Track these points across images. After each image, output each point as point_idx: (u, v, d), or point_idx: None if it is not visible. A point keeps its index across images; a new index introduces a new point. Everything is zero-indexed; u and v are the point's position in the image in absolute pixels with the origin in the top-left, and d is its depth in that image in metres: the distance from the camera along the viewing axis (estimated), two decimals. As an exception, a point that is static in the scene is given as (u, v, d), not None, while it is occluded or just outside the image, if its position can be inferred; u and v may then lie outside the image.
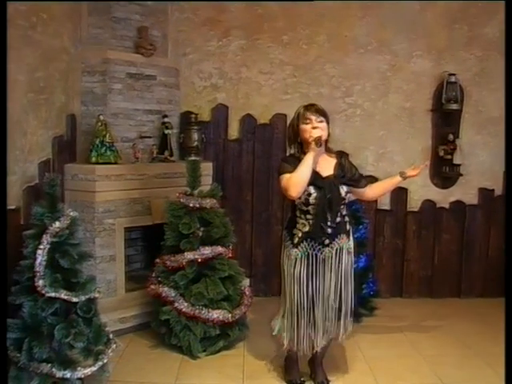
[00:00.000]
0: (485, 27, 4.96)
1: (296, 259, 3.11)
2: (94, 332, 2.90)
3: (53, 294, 2.76)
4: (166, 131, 4.51)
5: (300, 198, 3.03)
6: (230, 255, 3.92)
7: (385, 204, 5.09)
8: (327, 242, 3.09)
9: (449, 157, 4.97)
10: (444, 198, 5.15)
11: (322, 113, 3.08)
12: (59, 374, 2.74)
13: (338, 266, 3.14)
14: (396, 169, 4.98)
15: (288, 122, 4.78)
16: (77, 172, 4.03)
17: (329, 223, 3.06)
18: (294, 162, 3.06)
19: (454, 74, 4.88)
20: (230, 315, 3.75)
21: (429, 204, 5.12)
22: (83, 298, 2.86)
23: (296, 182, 2.96)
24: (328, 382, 3.37)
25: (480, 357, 3.83)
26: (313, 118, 3.05)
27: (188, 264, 3.74)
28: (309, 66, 4.96)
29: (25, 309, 2.76)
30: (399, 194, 5.07)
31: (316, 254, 3.09)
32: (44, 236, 2.78)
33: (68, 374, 2.76)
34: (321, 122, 3.05)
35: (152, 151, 4.45)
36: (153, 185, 4.26)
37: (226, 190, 4.66)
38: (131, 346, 3.87)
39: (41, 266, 2.75)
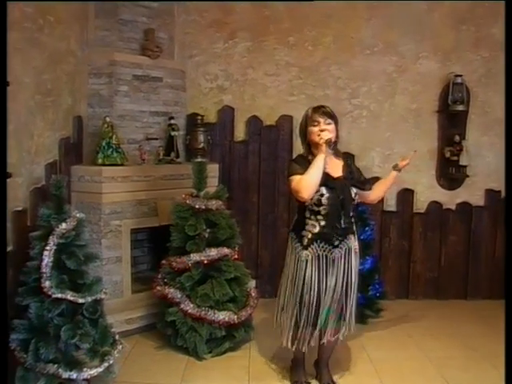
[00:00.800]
0: (492, 28, 4.95)
1: (306, 261, 3.09)
2: (100, 333, 2.91)
3: (59, 295, 2.77)
4: (173, 133, 4.52)
5: (312, 198, 3.02)
6: (236, 257, 3.93)
7: (391, 205, 5.08)
8: (337, 242, 3.09)
9: (455, 158, 4.96)
10: (450, 199, 5.13)
11: (329, 115, 3.08)
12: (65, 374, 2.75)
13: (348, 267, 3.14)
14: (402, 170, 5.01)
15: (294, 124, 4.89)
16: (83, 174, 4.05)
17: (341, 224, 3.07)
18: (304, 163, 3.07)
19: (460, 75, 4.87)
20: (235, 316, 3.75)
21: (435, 205, 5.11)
22: (89, 299, 2.86)
23: (307, 184, 2.96)
24: (333, 383, 3.37)
25: (486, 359, 3.82)
26: (321, 120, 3.05)
27: (194, 265, 3.74)
28: (315, 68, 4.96)
29: (31, 310, 2.76)
30: (405, 195, 5.07)
31: (326, 256, 3.09)
32: (50, 237, 2.79)
33: (74, 375, 2.77)
34: (329, 124, 3.06)
35: (158, 153, 4.46)
36: (159, 186, 4.27)
37: (232, 191, 4.67)
38: (137, 347, 3.88)
39: (47, 267, 2.76)
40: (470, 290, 5.16)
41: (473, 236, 5.14)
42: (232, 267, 3.84)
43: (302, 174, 3.00)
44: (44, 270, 2.76)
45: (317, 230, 3.08)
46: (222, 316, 3.71)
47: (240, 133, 5.00)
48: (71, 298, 2.80)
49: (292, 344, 3.22)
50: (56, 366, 2.74)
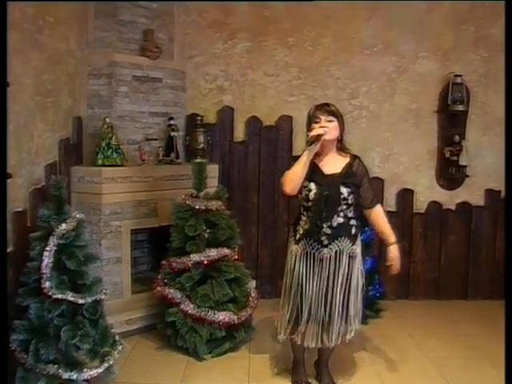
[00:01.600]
0: (491, 28, 4.96)
1: (296, 255, 3.13)
2: (101, 334, 2.91)
3: (59, 296, 2.77)
4: (172, 133, 4.52)
5: (301, 193, 3.06)
6: (236, 257, 3.92)
7: (391, 205, 5.08)
8: (326, 242, 3.06)
9: (455, 158, 4.96)
10: (450, 199, 5.13)
11: (331, 112, 3.06)
12: (65, 375, 2.75)
13: (337, 269, 3.09)
14: (402, 170, 5.04)
15: (293, 124, 4.89)
16: (83, 174, 4.05)
17: (325, 222, 3.04)
18: None
19: (460, 75, 4.87)
20: (235, 317, 3.75)
21: (435, 205, 5.11)
22: (89, 299, 2.87)
23: (289, 177, 3.01)
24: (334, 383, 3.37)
25: (487, 359, 3.82)
26: (322, 117, 3.04)
27: (194, 266, 3.75)
28: (314, 68, 4.96)
29: (31, 310, 2.77)
30: (405, 195, 5.07)
31: (314, 253, 3.09)
32: (50, 238, 2.80)
33: (74, 376, 2.77)
34: (330, 121, 3.04)
35: (158, 153, 4.46)
36: (159, 187, 4.27)
37: (232, 191, 4.67)
38: (137, 347, 3.88)
39: (47, 268, 2.77)
40: (470, 290, 5.16)
41: (473, 236, 5.14)
42: (232, 268, 3.84)
43: None
44: (44, 271, 2.76)
45: (307, 226, 3.10)
46: (222, 316, 3.71)
47: (240, 133, 5.00)
48: (71, 299, 2.80)
49: (284, 334, 3.24)
50: (56, 366, 2.75)
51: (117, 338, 3.03)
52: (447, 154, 4.98)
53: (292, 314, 3.17)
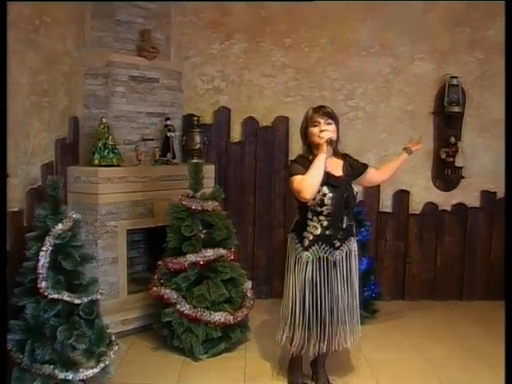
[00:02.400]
0: (487, 30, 4.97)
1: (307, 262, 3.07)
2: (97, 334, 2.91)
3: (55, 296, 2.77)
4: (169, 134, 4.52)
5: (314, 199, 2.99)
6: (232, 257, 3.93)
7: (387, 206, 5.10)
8: (338, 244, 3.08)
9: (451, 159, 4.97)
10: (446, 200, 5.15)
11: (330, 115, 3.08)
12: (61, 375, 2.75)
13: (349, 269, 3.13)
14: (398, 171, 4.99)
15: (290, 125, 4.90)
16: (79, 174, 4.04)
17: (344, 224, 3.06)
18: (305, 163, 3.05)
19: (456, 77, 4.88)
20: (231, 317, 3.76)
21: (431, 206, 5.13)
22: (85, 299, 2.86)
23: (309, 183, 2.93)
24: (330, 384, 3.38)
25: (482, 359, 3.83)
26: (321, 120, 3.05)
27: (190, 266, 3.75)
28: (311, 69, 4.97)
29: (27, 310, 2.77)
30: (401, 196, 5.08)
31: (327, 258, 3.07)
32: (47, 238, 2.79)
33: (70, 376, 2.76)
34: (329, 124, 3.06)
35: (154, 154, 4.46)
36: (155, 187, 4.27)
37: (228, 192, 4.67)
38: (133, 347, 3.87)
39: (43, 268, 2.76)
40: (465, 290, 5.17)
41: (468, 237, 5.15)
42: (228, 268, 3.84)
43: (303, 173, 2.97)
44: (40, 271, 2.75)
45: (319, 231, 3.06)
46: (218, 317, 3.71)
47: (236, 134, 5.00)
48: (67, 299, 2.80)
49: (290, 345, 3.18)
50: (52, 366, 2.74)
51: (113, 338, 3.02)
52: (443, 156, 5.00)
53: (305, 324, 3.09)
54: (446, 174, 5.06)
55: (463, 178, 5.06)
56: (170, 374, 3.52)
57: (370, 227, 4.67)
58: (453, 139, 4.97)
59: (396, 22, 4.92)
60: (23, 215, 3.19)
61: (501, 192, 5.09)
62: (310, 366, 3.47)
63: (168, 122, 4.52)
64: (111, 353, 2.95)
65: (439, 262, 5.16)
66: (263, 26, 4.91)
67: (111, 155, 4.08)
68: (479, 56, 5.01)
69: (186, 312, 3.68)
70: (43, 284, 2.75)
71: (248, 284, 4.25)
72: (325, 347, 3.13)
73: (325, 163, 2.96)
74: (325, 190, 2.99)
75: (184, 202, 3.84)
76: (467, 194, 5.14)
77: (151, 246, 4.65)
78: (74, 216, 2.94)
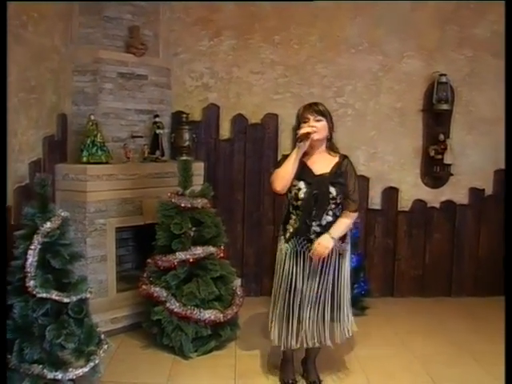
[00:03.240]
0: (475, 28, 4.99)
1: (286, 254, 3.14)
2: (86, 332, 2.88)
3: (44, 295, 2.74)
4: (158, 131, 4.50)
5: (291, 192, 3.08)
6: (222, 255, 3.92)
7: (376, 204, 5.11)
8: (315, 240, 3.07)
9: (439, 157, 4.99)
10: (435, 197, 5.17)
11: (320, 112, 3.08)
12: (50, 375, 2.72)
13: (327, 267, 3.12)
14: (387, 169, 5.07)
15: (279, 122, 4.90)
16: (68, 172, 4.01)
17: (315, 221, 3.07)
18: None
19: (444, 75, 4.90)
20: (221, 315, 3.75)
21: (419, 204, 5.15)
22: (74, 298, 2.84)
23: (279, 176, 3.05)
24: (320, 381, 3.38)
25: (471, 355, 3.86)
26: (311, 117, 3.06)
27: (179, 264, 3.73)
28: (300, 66, 4.96)
29: (16, 310, 2.73)
30: (390, 193, 5.10)
31: (304, 252, 3.11)
32: (35, 236, 2.76)
33: (59, 375, 2.74)
34: (318, 121, 3.06)
35: (143, 151, 4.44)
36: (144, 185, 4.24)
37: (218, 189, 4.64)
38: (123, 346, 3.86)
39: (32, 267, 2.73)
40: (454, 287, 5.20)
41: (457, 234, 5.18)
42: (218, 266, 3.83)
43: None
44: (28, 270, 2.73)
45: (297, 224, 3.12)
46: (208, 315, 3.71)
47: (225, 131, 4.99)
48: (56, 298, 2.77)
49: (279, 341, 3.21)
50: (41, 366, 2.71)
51: (102, 336, 3.00)
52: (432, 153, 5.01)
53: (283, 312, 3.16)
54: (435, 171, 5.08)
55: (452, 175, 5.08)
56: (159, 372, 3.51)
57: (359, 224, 4.67)
58: (441, 136, 4.99)
59: (385, 20, 4.92)
60: (11, 213, 3.16)
61: (489, 189, 5.14)
62: (301, 364, 3.48)
63: (157, 119, 4.51)
64: (101, 352, 2.93)
65: (428, 259, 5.18)
66: (252, 22, 4.89)
67: (100, 152, 4.05)
68: (468, 54, 5.03)
69: (175, 310, 3.67)
70: (31, 283, 2.72)
71: (237, 281, 4.25)
72: (306, 342, 3.16)
73: (298, 158, 3.02)
74: (301, 184, 3.06)
75: (173, 200, 3.83)
76: (456, 191, 5.16)
77: (140, 243, 4.63)
78: (63, 214, 2.91)
